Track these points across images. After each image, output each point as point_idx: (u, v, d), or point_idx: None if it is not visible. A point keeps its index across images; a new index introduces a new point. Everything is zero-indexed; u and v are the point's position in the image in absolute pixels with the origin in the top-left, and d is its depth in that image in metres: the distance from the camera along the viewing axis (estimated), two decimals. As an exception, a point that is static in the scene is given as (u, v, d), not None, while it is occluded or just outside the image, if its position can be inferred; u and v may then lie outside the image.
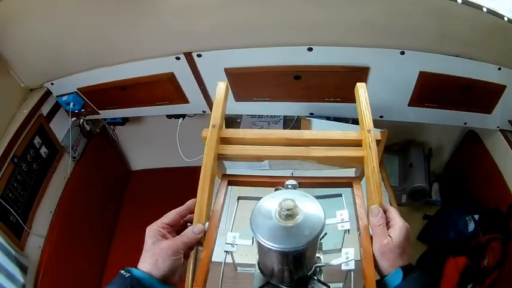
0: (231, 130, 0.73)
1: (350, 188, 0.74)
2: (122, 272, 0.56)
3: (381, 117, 1.42)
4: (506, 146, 1.47)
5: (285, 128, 1.64)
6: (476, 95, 1.30)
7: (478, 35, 1.11)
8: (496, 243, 1.46)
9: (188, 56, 1.27)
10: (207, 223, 0.64)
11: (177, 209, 0.66)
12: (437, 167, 2.08)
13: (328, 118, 1.44)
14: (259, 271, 0.65)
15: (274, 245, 0.53)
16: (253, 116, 1.72)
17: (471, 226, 1.60)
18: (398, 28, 1.12)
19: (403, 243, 0.59)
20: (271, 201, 0.58)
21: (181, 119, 1.65)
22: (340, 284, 0.66)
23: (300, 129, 1.42)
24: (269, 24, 1.15)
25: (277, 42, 1.20)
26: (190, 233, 0.62)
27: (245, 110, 1.55)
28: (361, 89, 0.76)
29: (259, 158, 0.71)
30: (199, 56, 1.26)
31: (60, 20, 1.21)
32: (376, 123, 1.39)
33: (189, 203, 0.67)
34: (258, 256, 0.64)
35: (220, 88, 0.76)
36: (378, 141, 0.68)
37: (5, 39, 1.27)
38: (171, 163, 2.12)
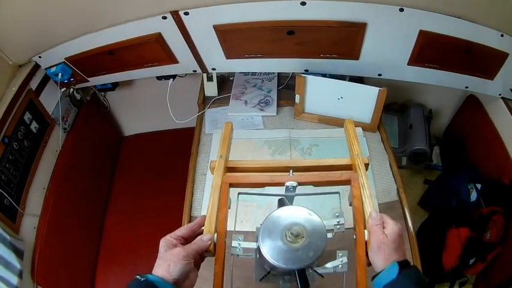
0: (235, 161, 0.84)
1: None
2: (138, 276, 0.61)
3: (379, 75, 1.39)
4: (508, 115, 1.45)
5: (279, 85, 1.62)
6: (478, 59, 1.28)
7: (482, -1, 1.07)
8: (498, 217, 1.46)
9: (175, 14, 1.20)
10: (216, 234, 0.70)
11: (188, 224, 0.73)
12: (437, 131, 2.07)
13: (323, 75, 1.40)
14: (258, 256, 0.71)
15: (283, 265, 0.63)
16: (246, 74, 1.68)
17: (473, 196, 1.58)
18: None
19: (397, 239, 0.66)
20: (278, 219, 0.68)
21: (172, 79, 1.59)
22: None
23: (294, 86, 1.39)
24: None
25: (269, -4, 1.13)
26: (199, 240, 0.68)
27: (237, 67, 1.49)
28: (349, 124, 0.90)
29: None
30: (186, 14, 1.20)
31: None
32: (375, 82, 1.37)
33: (199, 219, 0.73)
34: (258, 244, 0.68)
35: (225, 127, 0.91)
36: (366, 165, 0.79)
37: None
38: (162, 126, 2.11)
